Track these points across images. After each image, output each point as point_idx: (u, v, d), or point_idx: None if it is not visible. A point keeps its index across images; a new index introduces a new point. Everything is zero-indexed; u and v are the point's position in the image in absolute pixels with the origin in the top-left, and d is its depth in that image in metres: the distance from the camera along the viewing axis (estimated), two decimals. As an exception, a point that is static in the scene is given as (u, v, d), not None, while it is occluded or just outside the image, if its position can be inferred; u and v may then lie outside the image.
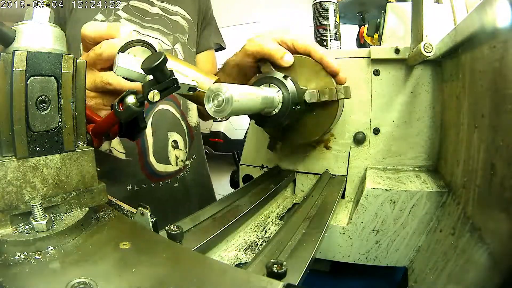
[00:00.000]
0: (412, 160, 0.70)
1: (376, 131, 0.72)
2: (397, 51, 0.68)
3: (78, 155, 0.38)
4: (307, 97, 0.61)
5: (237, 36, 1.08)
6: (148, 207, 0.42)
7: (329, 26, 0.90)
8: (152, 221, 0.42)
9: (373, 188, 0.61)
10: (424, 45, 0.56)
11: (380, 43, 0.83)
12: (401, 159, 0.71)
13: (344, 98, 0.60)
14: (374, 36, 1.00)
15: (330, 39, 0.91)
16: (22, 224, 0.38)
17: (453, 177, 0.57)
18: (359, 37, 1.35)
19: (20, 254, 0.35)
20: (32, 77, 0.35)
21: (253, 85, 0.60)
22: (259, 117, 0.62)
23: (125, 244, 0.37)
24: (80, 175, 0.39)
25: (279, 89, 0.59)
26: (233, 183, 1.03)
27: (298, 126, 0.68)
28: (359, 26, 1.36)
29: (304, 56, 0.65)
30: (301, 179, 0.84)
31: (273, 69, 0.63)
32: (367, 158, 0.73)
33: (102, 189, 0.41)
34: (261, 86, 0.59)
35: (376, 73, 0.70)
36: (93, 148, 0.39)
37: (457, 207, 0.51)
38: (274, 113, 0.60)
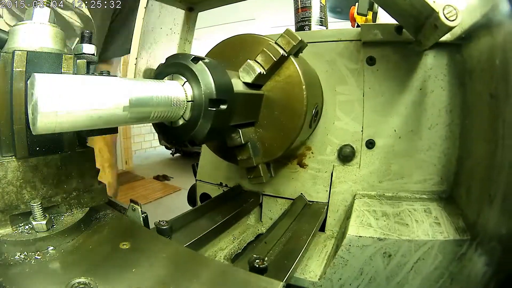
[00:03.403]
0: (419, 185, 0.50)
1: (370, 144, 0.52)
2: (399, 29, 0.46)
3: (78, 155, 0.39)
4: (244, 78, 0.41)
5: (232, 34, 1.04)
6: (139, 202, 0.42)
7: (313, 8, 0.73)
8: (143, 216, 0.42)
9: (358, 236, 0.41)
10: (444, 10, 0.33)
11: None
12: (405, 183, 0.51)
13: (299, 46, 0.42)
14: (368, 15, 0.73)
15: (315, 23, 0.74)
16: (22, 224, 0.38)
17: (481, 217, 0.38)
18: (350, 20, 1.06)
19: (20, 254, 0.35)
20: (32, 77, 0.36)
21: (155, 78, 0.40)
22: (163, 128, 0.40)
23: (125, 244, 0.37)
24: (80, 175, 0.39)
25: (186, 80, 0.37)
26: (191, 199, 0.85)
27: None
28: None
29: (246, 34, 0.47)
30: (269, 204, 0.63)
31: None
32: (357, 181, 0.53)
33: (102, 189, 0.41)
34: (164, 79, 0.39)
35: (370, 61, 0.49)
36: (93, 148, 0.39)
37: (484, 267, 0.35)
38: (182, 122, 0.38)
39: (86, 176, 0.39)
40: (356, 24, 0.96)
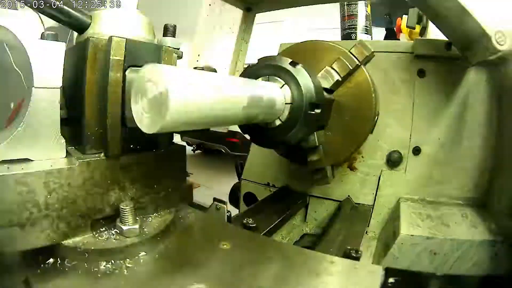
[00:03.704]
0: (457, 191, 0.54)
1: (417, 151, 0.56)
2: (448, 45, 0.51)
3: (171, 153, 0.36)
4: (324, 83, 0.43)
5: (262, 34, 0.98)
6: (225, 201, 0.41)
7: (359, 17, 0.78)
8: (227, 215, 0.41)
9: (410, 235, 0.46)
10: (496, 35, 0.40)
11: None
12: (444, 188, 0.55)
13: (370, 56, 0.46)
14: (415, 28, 0.76)
15: (360, 32, 0.79)
16: (103, 229, 0.34)
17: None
18: (395, 32, 1.11)
19: (107, 264, 0.32)
20: (131, 68, 0.33)
21: (245, 76, 0.40)
22: (255, 129, 0.41)
23: (225, 244, 0.36)
24: (171, 174, 0.37)
25: (284, 83, 0.38)
26: (233, 198, 0.87)
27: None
28: (386, 30, 1.20)
29: (317, 40, 0.49)
30: (315, 205, 0.65)
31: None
32: (402, 185, 0.57)
33: (189, 188, 0.39)
34: (259, 79, 0.39)
35: (421, 74, 0.54)
36: (185, 146, 0.37)
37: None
38: (278, 123, 0.38)
39: (177, 175, 0.37)
40: (400, 36, 1.03)
